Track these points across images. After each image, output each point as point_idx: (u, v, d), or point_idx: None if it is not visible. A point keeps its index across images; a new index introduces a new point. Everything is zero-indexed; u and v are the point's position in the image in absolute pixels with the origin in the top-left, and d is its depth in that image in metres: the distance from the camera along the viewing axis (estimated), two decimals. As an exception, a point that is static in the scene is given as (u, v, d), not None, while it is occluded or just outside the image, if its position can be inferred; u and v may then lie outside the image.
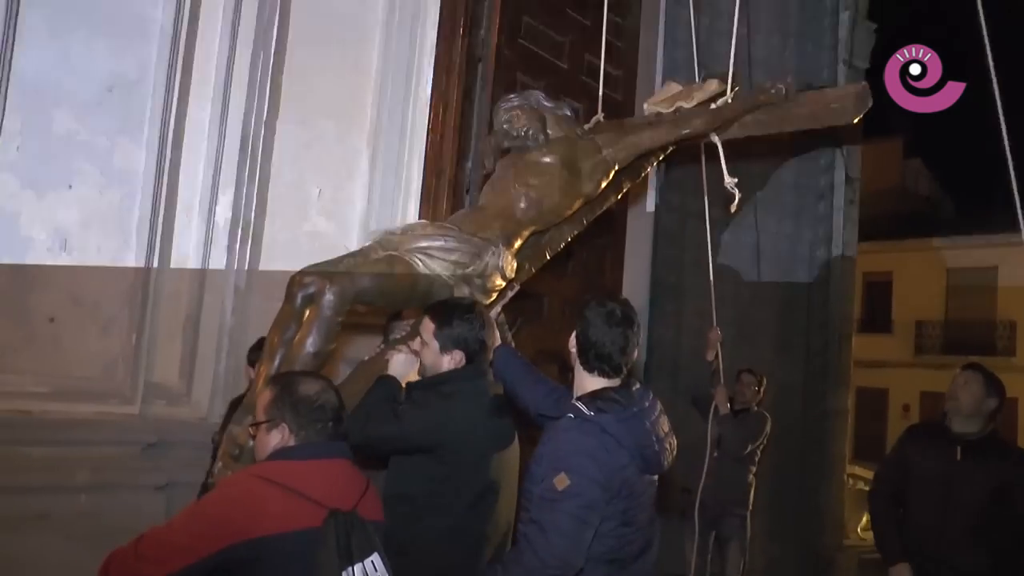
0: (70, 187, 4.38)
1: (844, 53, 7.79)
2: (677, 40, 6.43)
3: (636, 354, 2.94)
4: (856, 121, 3.87)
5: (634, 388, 2.90)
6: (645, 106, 4.37)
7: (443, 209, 4.68)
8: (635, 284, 6.39)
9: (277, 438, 2.45)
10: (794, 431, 7.20)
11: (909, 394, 22.14)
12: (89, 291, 4.41)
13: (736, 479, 6.14)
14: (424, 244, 3.31)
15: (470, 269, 3.35)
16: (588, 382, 2.87)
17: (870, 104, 3.75)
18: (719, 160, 4.08)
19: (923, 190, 26.95)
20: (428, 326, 3.09)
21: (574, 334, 2.90)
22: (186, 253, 4.72)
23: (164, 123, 4.68)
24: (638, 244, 6.54)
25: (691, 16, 5.25)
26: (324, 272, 3.19)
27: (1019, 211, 3.36)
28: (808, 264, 7.56)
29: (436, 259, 3.30)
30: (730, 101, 3.97)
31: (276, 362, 3.10)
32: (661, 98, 4.34)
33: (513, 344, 3.54)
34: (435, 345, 3.06)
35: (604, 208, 4.05)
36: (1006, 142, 3.44)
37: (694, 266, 6.43)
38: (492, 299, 3.47)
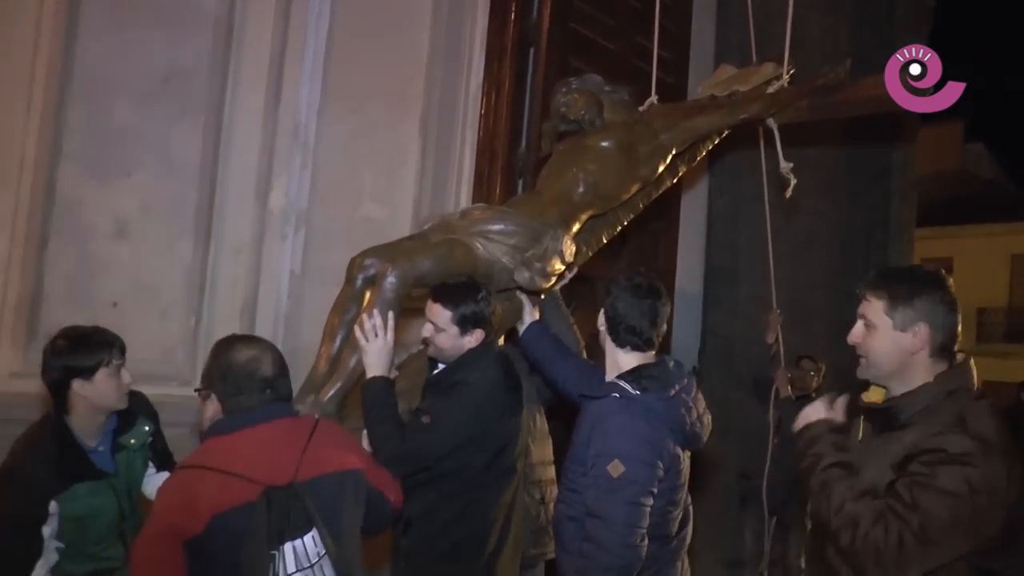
0: (129, 175, 4.49)
1: (900, 33, 7.62)
2: (729, 21, 6.35)
3: (665, 327, 2.93)
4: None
5: (670, 364, 2.90)
6: (700, 88, 4.36)
7: (496, 194, 4.69)
8: (689, 268, 6.34)
9: (211, 408, 2.41)
10: (851, 418, 7.08)
11: (971, 382, 21.69)
12: (149, 277, 4.52)
13: (797, 464, 6.06)
14: (484, 227, 3.34)
15: (529, 253, 3.37)
16: (621, 358, 2.88)
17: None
18: (774, 144, 4.05)
19: (985, 173, 26.29)
20: (442, 313, 3.01)
21: (602, 311, 2.90)
22: (241, 239, 4.80)
23: (218, 112, 4.78)
24: (692, 228, 6.48)
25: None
26: (384, 254, 3.21)
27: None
28: (864, 249, 7.42)
29: (496, 243, 3.32)
30: (786, 85, 3.91)
31: (336, 342, 3.15)
32: (716, 81, 4.33)
33: (574, 325, 3.56)
34: (454, 330, 3.01)
35: (660, 191, 4.03)
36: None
37: (749, 250, 6.35)
38: (552, 283, 3.47)
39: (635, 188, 3.81)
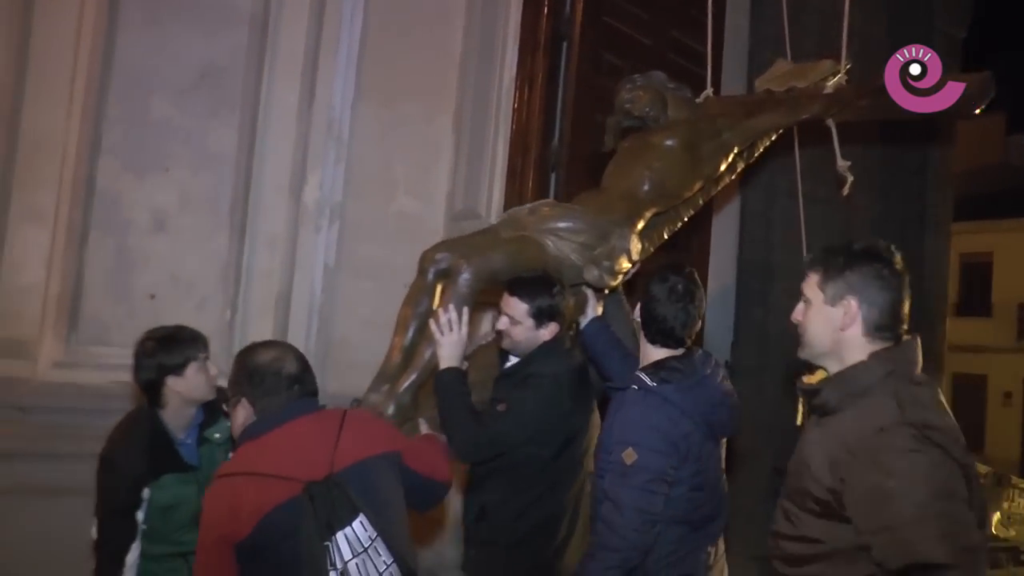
0: (167, 170, 4.55)
1: (940, 22, 7.53)
2: (764, 14, 6.30)
3: (699, 325, 2.99)
4: (977, 112, 3.72)
5: (696, 355, 2.96)
6: (757, 83, 4.36)
7: (528, 188, 4.71)
8: (722, 262, 6.32)
9: (242, 414, 2.48)
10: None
11: (1011, 381, 21.35)
12: (185, 269, 4.58)
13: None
14: (553, 225, 3.39)
15: (597, 251, 3.42)
16: (652, 352, 2.95)
17: (993, 93, 3.59)
18: (823, 140, 4.02)
19: (1027, 166, 25.86)
20: (518, 306, 3.10)
21: (639, 305, 2.97)
22: (276, 233, 4.86)
23: (253, 107, 4.84)
24: (725, 221, 6.46)
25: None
26: (457, 249, 3.30)
27: None
28: (900, 243, 7.33)
29: (565, 240, 3.37)
30: (844, 82, 3.90)
31: (409, 333, 3.24)
32: (773, 76, 4.32)
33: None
34: (529, 323, 3.09)
35: (720, 187, 4.06)
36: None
37: (783, 244, 6.32)
38: (619, 280, 3.51)
39: (698, 185, 3.86)
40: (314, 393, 2.54)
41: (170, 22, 4.58)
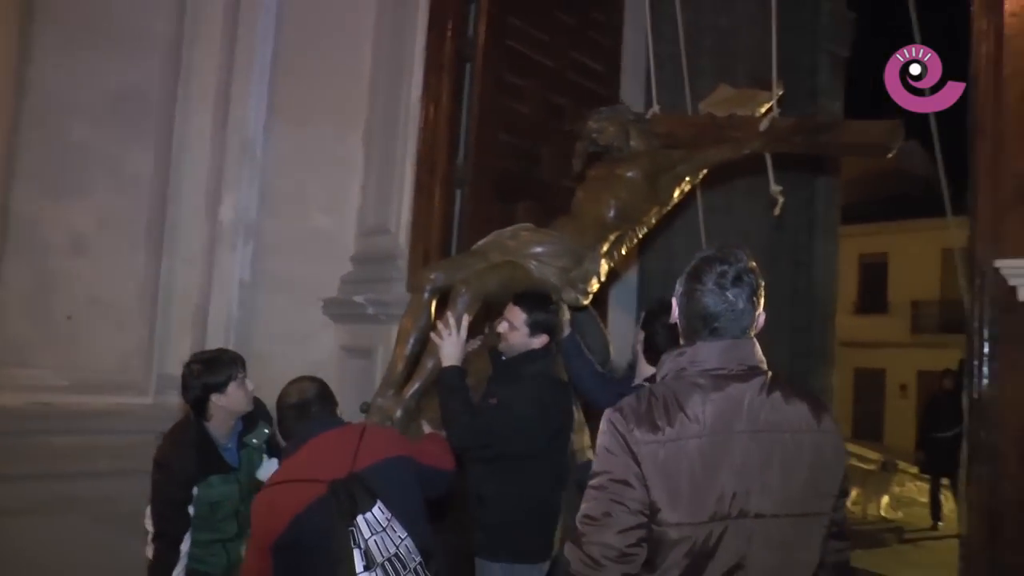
0: (85, 193, 4.66)
1: (825, 43, 8.01)
2: (662, 35, 6.62)
3: None
4: (890, 156, 4.26)
5: None
6: (701, 106, 4.85)
7: (435, 204, 4.88)
8: (623, 273, 6.59)
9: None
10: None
11: (906, 374, 22.33)
12: (104, 290, 4.70)
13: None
14: (536, 250, 3.88)
15: (573, 274, 3.93)
16: (645, 369, 3.26)
17: (902, 139, 4.11)
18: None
19: (919, 171, 27.05)
20: (519, 315, 3.50)
21: (643, 333, 3.34)
22: (193, 252, 5.01)
23: (169, 129, 4.97)
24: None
25: (678, 11, 5.48)
26: (451, 271, 3.75)
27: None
28: (792, 248, 7.78)
29: (546, 265, 3.87)
30: (777, 115, 4.38)
31: (410, 343, 3.66)
32: (715, 100, 4.80)
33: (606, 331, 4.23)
34: (525, 330, 3.49)
35: (670, 207, 4.51)
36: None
37: (684, 252, 6.62)
38: (589, 299, 3.98)
39: (655, 211, 4.34)
40: (333, 413, 3.02)
41: (85, 47, 4.68)
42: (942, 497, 9.73)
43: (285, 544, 2.69)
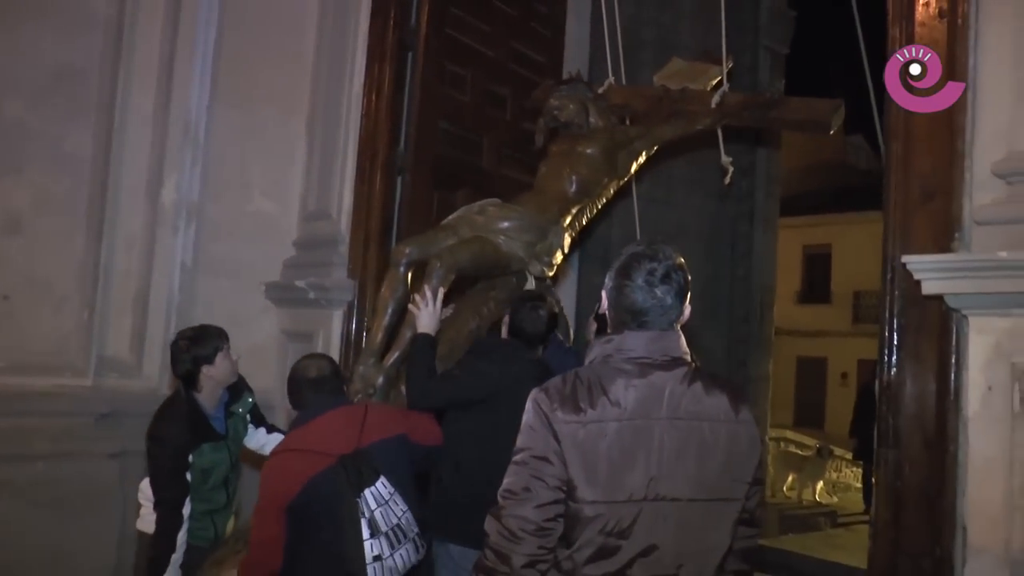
0: (21, 171, 4.64)
1: (765, 39, 8.18)
2: (603, 28, 6.73)
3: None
4: (832, 132, 4.51)
5: None
6: (655, 78, 5.05)
7: (376, 191, 4.94)
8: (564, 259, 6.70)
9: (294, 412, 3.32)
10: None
11: (847, 363, 22.83)
12: (42, 271, 4.68)
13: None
14: (503, 225, 4.03)
15: (538, 247, 4.11)
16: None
17: (843, 117, 4.42)
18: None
19: (863, 165, 27.65)
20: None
21: (595, 327, 3.54)
22: (134, 233, 5.00)
23: (109, 109, 4.94)
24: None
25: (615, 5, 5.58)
26: (424, 245, 3.90)
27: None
28: (731, 238, 7.96)
29: (513, 239, 4.03)
30: (727, 89, 4.65)
31: (387, 315, 3.83)
32: (668, 73, 5.05)
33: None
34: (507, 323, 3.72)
35: (626, 180, 4.77)
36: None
37: (621, 241, 6.76)
38: (553, 271, 4.26)
39: (613, 185, 4.57)
40: (343, 390, 3.33)
41: (22, 23, 4.65)
42: (874, 482, 10.00)
43: (297, 506, 2.92)
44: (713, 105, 4.57)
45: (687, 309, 2.10)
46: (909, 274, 3.06)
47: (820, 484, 10.40)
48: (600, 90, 4.85)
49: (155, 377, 5.03)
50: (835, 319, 23.63)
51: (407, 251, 3.88)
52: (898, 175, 3.31)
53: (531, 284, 4.19)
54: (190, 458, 3.38)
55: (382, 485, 3.00)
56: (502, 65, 5.69)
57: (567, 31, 6.36)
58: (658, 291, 2.03)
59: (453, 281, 3.82)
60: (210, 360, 3.47)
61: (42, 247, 4.68)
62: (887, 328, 3.32)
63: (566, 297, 6.33)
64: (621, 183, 4.68)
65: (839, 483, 11.40)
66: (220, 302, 5.15)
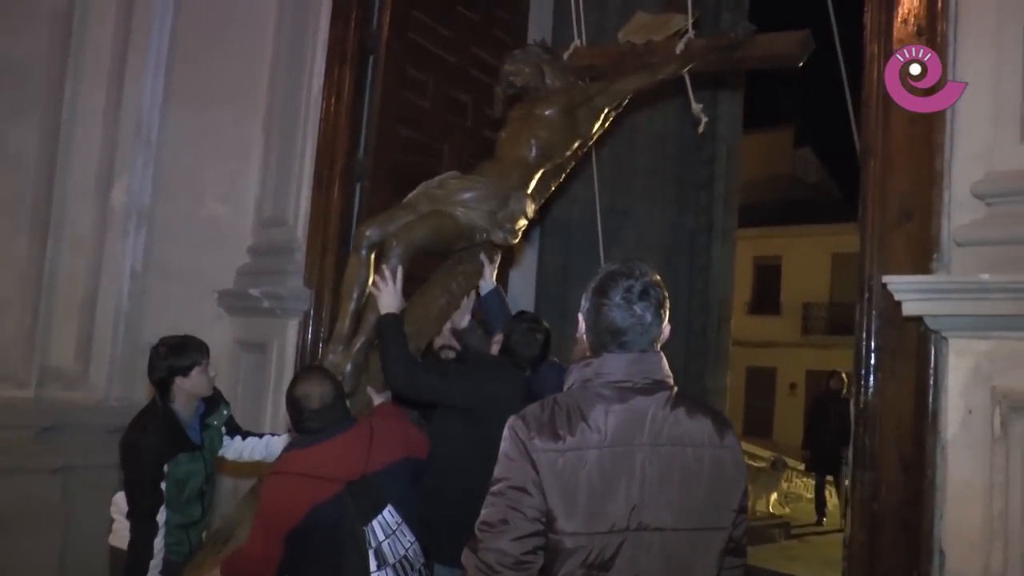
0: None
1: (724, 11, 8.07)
2: (565, 36, 6.67)
3: None
4: (800, 65, 4.36)
5: None
6: (619, 35, 4.90)
7: (334, 197, 4.82)
8: (522, 267, 6.65)
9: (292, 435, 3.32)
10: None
11: (796, 373, 23.13)
12: (-19, 274, 4.47)
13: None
14: (463, 196, 3.95)
15: (500, 215, 4.01)
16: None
17: (812, 48, 4.25)
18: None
19: (811, 178, 28.06)
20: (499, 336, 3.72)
21: (500, 337, 3.61)
22: (81, 236, 4.82)
23: (57, 107, 4.77)
24: (528, 228, 6.78)
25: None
26: (384, 224, 3.84)
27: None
28: (690, 250, 7.95)
29: (473, 210, 3.95)
30: (692, 37, 4.48)
31: (353, 300, 3.79)
32: (633, 28, 4.88)
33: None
34: (499, 339, 3.70)
35: (594, 140, 4.67)
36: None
37: (580, 251, 6.72)
38: (519, 237, 4.14)
39: (577, 144, 4.47)
40: (347, 411, 3.21)
41: (-37, 15, 4.45)
42: (826, 494, 10.13)
43: (297, 534, 2.89)
44: (678, 52, 4.47)
45: (666, 328, 2.04)
46: (887, 294, 3.03)
47: (774, 496, 10.45)
48: (565, 55, 4.77)
49: (101, 388, 4.84)
50: (785, 330, 23.90)
51: (367, 233, 3.83)
52: (875, 193, 3.27)
53: (487, 269, 4.16)
54: (165, 468, 3.31)
55: (389, 514, 3.00)
56: (463, 71, 5.59)
57: (528, 37, 6.27)
58: (636, 308, 1.97)
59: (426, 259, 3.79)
60: (185, 373, 3.42)
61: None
62: (864, 348, 3.27)
63: (526, 306, 6.25)
64: (587, 143, 4.60)
65: (790, 493, 11.47)
66: (171, 309, 4.98)
